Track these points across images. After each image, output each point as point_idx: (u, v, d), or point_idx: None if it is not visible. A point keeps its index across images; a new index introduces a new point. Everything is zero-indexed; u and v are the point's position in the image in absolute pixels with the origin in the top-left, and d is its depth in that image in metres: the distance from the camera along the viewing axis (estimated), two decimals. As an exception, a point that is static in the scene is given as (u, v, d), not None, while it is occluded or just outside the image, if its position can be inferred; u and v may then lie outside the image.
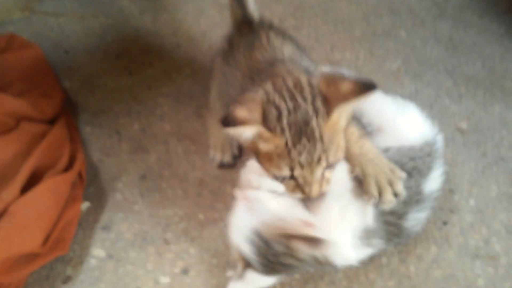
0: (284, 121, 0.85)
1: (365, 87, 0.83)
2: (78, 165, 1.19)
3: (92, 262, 1.13)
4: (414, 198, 1.00)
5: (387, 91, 1.44)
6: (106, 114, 1.37)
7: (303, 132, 0.84)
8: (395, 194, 0.95)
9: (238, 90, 1.01)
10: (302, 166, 0.86)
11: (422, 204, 1.02)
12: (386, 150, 1.02)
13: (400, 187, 0.95)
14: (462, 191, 1.27)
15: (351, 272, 1.11)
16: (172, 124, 1.35)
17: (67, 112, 1.33)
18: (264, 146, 0.86)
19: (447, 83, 1.50)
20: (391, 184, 0.95)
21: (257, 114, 0.84)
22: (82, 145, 1.29)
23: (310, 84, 0.87)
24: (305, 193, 0.90)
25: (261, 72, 0.97)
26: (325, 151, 0.85)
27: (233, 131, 0.83)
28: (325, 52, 1.56)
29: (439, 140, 1.12)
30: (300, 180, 0.88)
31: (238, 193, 0.96)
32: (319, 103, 0.85)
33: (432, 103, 1.45)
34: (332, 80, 0.86)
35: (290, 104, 0.85)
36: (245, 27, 1.16)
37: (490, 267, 1.15)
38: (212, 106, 1.26)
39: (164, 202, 1.22)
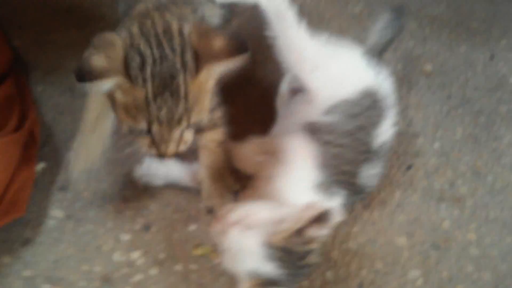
0: (148, 71, 0.75)
1: (238, 49, 0.75)
2: (29, 125, 1.14)
3: (51, 223, 1.10)
4: (362, 157, 0.96)
5: (350, 36, 1.41)
6: (58, 72, 1.31)
7: (167, 86, 0.75)
8: None
9: None
10: (160, 123, 0.78)
11: (372, 161, 0.98)
12: (328, 112, 0.97)
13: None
14: (427, 134, 1.26)
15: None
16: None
17: (17, 72, 1.26)
18: (121, 97, 0.77)
19: (411, 25, 1.47)
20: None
21: (117, 62, 0.74)
22: (35, 105, 1.23)
23: (181, 34, 0.78)
24: (160, 151, 0.82)
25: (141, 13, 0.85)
26: (187, 110, 0.77)
27: (90, 86, 0.73)
28: (286, -3, 1.51)
29: (385, 86, 1.03)
30: (157, 137, 0.80)
31: (219, 224, 0.87)
32: (188, 57, 0.76)
33: (396, 46, 1.41)
34: (204, 33, 0.77)
35: (157, 53, 0.76)
36: None
37: (455, 209, 1.15)
38: None
39: (121, 159, 1.18)
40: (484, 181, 1.19)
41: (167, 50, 0.76)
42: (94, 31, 1.35)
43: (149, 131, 0.79)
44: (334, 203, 0.94)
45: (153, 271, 1.05)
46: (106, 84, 0.74)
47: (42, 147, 1.18)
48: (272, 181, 0.93)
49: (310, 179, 0.91)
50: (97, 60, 0.72)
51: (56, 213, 1.11)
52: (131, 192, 1.14)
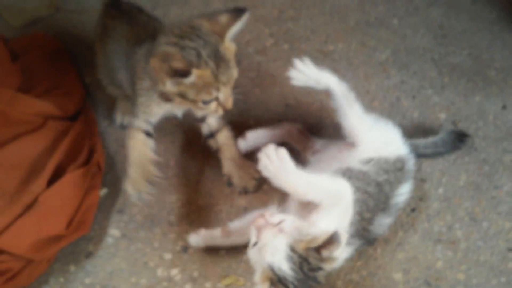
0: (204, 55, 1.07)
1: (237, 13, 1.10)
2: (96, 158, 1.39)
3: (109, 240, 1.35)
4: (380, 206, 1.16)
5: (374, 82, 1.58)
6: (120, 108, 1.55)
7: (218, 58, 1.09)
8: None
9: (123, 57, 1.27)
10: (224, 84, 1.11)
11: (387, 212, 1.18)
12: (368, 161, 1.19)
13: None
14: (433, 180, 1.42)
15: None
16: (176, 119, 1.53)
17: (88, 108, 1.52)
18: (195, 83, 1.08)
19: (432, 73, 1.62)
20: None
21: (185, 61, 1.06)
22: (100, 138, 1.48)
23: (200, 25, 1.10)
24: (225, 107, 1.16)
25: (148, 35, 1.23)
26: (232, 68, 1.12)
27: (185, 80, 1.07)
28: (320, 43, 1.69)
29: (411, 160, 1.26)
30: (222, 97, 1.13)
31: (262, 220, 1.07)
32: (214, 36, 1.10)
33: (415, 94, 1.57)
34: (210, 19, 1.11)
35: (200, 42, 1.08)
36: (115, 11, 1.35)
37: (449, 251, 1.32)
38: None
39: (169, 188, 1.42)
40: (479, 227, 1.35)
41: (203, 37, 1.08)
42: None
43: (216, 97, 1.13)
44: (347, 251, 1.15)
45: (188, 286, 1.29)
46: (191, 77, 1.07)
47: (105, 175, 1.44)
48: (316, 210, 1.10)
49: (346, 226, 1.11)
50: (176, 63, 1.05)
51: (114, 232, 1.37)
52: (175, 218, 1.38)
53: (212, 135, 1.38)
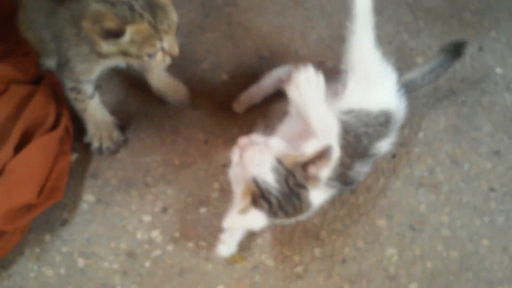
0: (138, 8, 1.01)
1: None
2: (64, 122, 1.32)
3: (84, 206, 1.31)
4: (359, 155, 1.13)
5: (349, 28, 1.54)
6: (86, 69, 1.48)
7: (153, 7, 1.03)
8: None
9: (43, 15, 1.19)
10: (166, 32, 1.06)
11: (366, 160, 1.15)
12: (348, 112, 1.14)
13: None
14: (412, 124, 1.40)
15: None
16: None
17: (50, 71, 1.44)
18: (134, 39, 1.04)
19: (407, 18, 1.58)
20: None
21: (118, 19, 1.00)
22: (66, 101, 1.41)
23: None
24: (172, 54, 1.11)
25: None
26: (170, 12, 1.06)
27: (120, 40, 1.02)
28: (292, -8, 1.63)
29: (400, 112, 1.21)
30: (166, 46, 1.08)
31: (245, 139, 1.05)
32: None
33: (391, 39, 1.54)
34: None
35: None
36: None
37: (432, 194, 1.31)
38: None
39: (143, 150, 1.37)
40: (460, 169, 1.34)
41: None
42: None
43: (160, 47, 1.08)
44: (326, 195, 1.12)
45: (169, 248, 1.26)
46: (127, 36, 1.02)
47: (74, 140, 1.37)
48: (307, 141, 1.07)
49: None
50: (109, 23, 0.99)
51: (88, 197, 1.32)
52: (152, 179, 1.33)
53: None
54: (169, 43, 1.09)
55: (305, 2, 1.61)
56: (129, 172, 1.34)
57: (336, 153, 1.00)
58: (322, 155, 0.97)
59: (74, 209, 1.30)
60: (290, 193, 1.01)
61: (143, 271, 1.23)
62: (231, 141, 1.34)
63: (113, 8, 1.00)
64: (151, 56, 1.08)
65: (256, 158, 1.01)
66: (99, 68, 1.21)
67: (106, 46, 1.04)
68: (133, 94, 1.44)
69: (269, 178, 0.99)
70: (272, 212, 1.02)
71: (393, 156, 1.35)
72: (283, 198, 1.01)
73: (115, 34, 1.01)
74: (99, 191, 1.32)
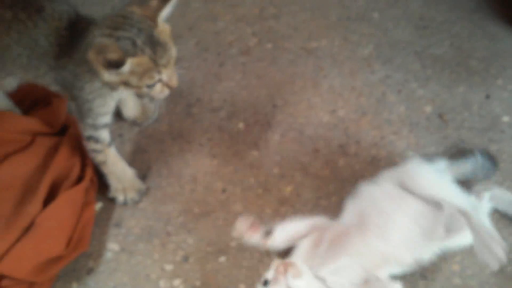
0: (139, 43, 1.09)
1: None
2: (89, 173, 1.38)
3: (109, 255, 1.36)
4: None
5: (359, 78, 1.61)
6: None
7: (154, 43, 1.11)
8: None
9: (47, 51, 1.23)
10: (165, 66, 1.14)
11: None
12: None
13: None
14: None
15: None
16: (166, 124, 1.53)
17: (73, 120, 1.50)
18: (135, 72, 1.11)
19: (416, 66, 1.65)
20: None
21: (120, 51, 1.08)
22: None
23: (131, 12, 1.13)
24: (171, 86, 1.20)
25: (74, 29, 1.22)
26: (170, 49, 1.15)
27: (121, 70, 1.09)
28: (303, 40, 1.70)
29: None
30: (165, 78, 1.16)
31: (277, 273, 1.09)
32: (147, 21, 1.12)
33: (401, 88, 1.60)
34: (141, 5, 1.13)
35: (134, 30, 1.10)
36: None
37: (442, 242, 1.36)
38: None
39: (164, 198, 1.43)
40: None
41: (136, 25, 1.10)
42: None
43: (160, 79, 1.16)
44: None
45: (191, 296, 1.31)
46: (126, 67, 1.09)
47: (98, 189, 1.43)
48: None
49: None
50: (111, 54, 1.07)
51: (112, 246, 1.37)
52: (173, 228, 1.39)
53: None
54: (168, 75, 1.18)
55: (316, 51, 1.67)
56: (151, 221, 1.40)
57: None
58: None
59: (99, 257, 1.35)
60: None
61: (167, 319, 1.28)
62: (249, 190, 1.41)
63: (116, 42, 1.09)
64: (150, 87, 1.17)
65: None
66: (113, 100, 1.29)
67: (108, 76, 1.12)
68: (153, 143, 1.50)
69: None
70: None
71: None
72: None
73: (116, 65, 1.09)
74: (123, 240, 1.37)
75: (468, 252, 1.34)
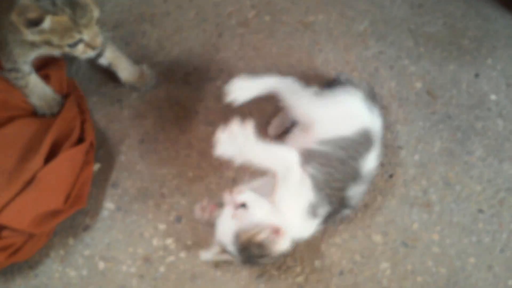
0: (59, 4, 1.18)
1: None
2: (89, 137, 1.44)
3: (105, 213, 1.42)
4: (350, 176, 1.22)
5: (354, 53, 1.65)
6: (108, 84, 1.59)
7: (74, 4, 1.19)
8: None
9: None
10: (85, 26, 1.21)
11: (359, 181, 1.24)
12: (323, 143, 1.22)
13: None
14: (409, 147, 1.51)
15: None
16: (164, 91, 1.58)
17: (75, 85, 1.56)
18: (53, 29, 1.19)
19: (409, 43, 1.68)
20: None
21: (40, 10, 1.15)
22: (90, 114, 1.53)
23: None
24: (94, 46, 1.27)
25: None
26: (90, 11, 1.21)
27: (41, 28, 1.17)
28: (300, 14, 1.73)
29: (377, 124, 1.28)
30: (87, 38, 1.24)
31: (228, 197, 1.18)
32: None
33: (393, 64, 1.64)
34: None
35: None
36: None
37: (425, 213, 1.42)
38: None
39: (160, 162, 1.49)
40: (452, 190, 1.45)
41: None
42: (137, 47, 1.64)
43: (80, 39, 1.23)
44: (311, 225, 1.23)
45: (182, 254, 1.37)
46: (46, 23, 1.17)
47: (97, 150, 1.49)
48: (276, 186, 1.20)
49: (304, 200, 1.19)
50: (30, 13, 1.15)
51: (109, 205, 1.43)
52: (167, 190, 1.45)
53: (100, 55, 1.49)
54: (90, 36, 1.25)
55: (313, 25, 1.71)
56: (147, 182, 1.46)
57: (286, 236, 1.14)
58: (271, 237, 1.12)
59: (95, 215, 1.42)
60: (248, 261, 1.16)
61: (158, 275, 1.35)
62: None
63: (37, 2, 1.16)
64: (72, 46, 1.25)
65: (223, 226, 1.17)
66: (33, 54, 1.36)
67: (30, 35, 1.20)
68: (151, 109, 1.55)
69: (230, 248, 1.15)
70: (240, 263, 1.19)
71: (390, 176, 1.46)
72: (243, 262, 1.17)
73: (36, 23, 1.17)
74: (119, 200, 1.44)
75: (448, 222, 1.40)
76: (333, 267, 1.36)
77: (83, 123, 1.47)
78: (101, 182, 1.46)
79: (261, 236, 1.11)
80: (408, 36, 1.70)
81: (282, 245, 1.13)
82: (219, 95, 1.57)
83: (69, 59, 1.58)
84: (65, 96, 1.50)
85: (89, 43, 1.26)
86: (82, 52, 1.28)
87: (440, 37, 1.70)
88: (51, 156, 1.37)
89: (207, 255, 1.24)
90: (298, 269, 1.36)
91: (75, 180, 1.38)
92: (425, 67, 1.64)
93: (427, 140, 1.52)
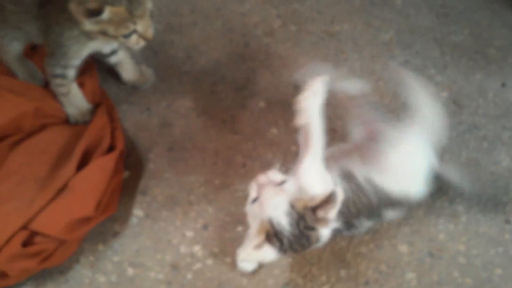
0: None
1: None
2: (119, 145, 1.46)
3: (134, 220, 1.45)
4: (368, 213, 1.24)
5: (379, 62, 1.66)
6: (137, 93, 1.63)
7: None
8: None
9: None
10: (140, 17, 1.23)
11: (371, 219, 1.27)
12: (367, 180, 1.23)
13: None
14: (435, 156, 1.51)
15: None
16: (191, 101, 1.61)
17: (105, 94, 1.59)
18: (111, 20, 1.21)
19: (435, 52, 1.69)
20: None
21: (99, 0, 1.18)
22: (120, 122, 1.56)
23: None
24: (146, 37, 1.28)
25: None
26: (145, 2, 1.23)
27: (100, 18, 1.19)
28: (326, 24, 1.75)
29: (420, 196, 1.29)
30: (141, 28, 1.26)
31: (264, 178, 1.18)
32: None
33: (419, 73, 1.65)
34: None
35: None
36: None
37: (451, 224, 1.42)
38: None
39: (187, 170, 1.51)
40: (479, 201, 1.45)
41: None
42: (165, 57, 1.68)
43: (135, 30, 1.25)
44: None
45: (209, 262, 1.39)
46: (106, 13, 1.18)
47: (126, 158, 1.52)
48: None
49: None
50: (91, 5, 1.17)
51: (137, 212, 1.46)
52: (194, 197, 1.47)
53: (113, 53, 1.52)
54: (143, 27, 1.27)
55: (339, 34, 1.73)
56: (174, 190, 1.49)
57: (340, 197, 1.11)
58: (329, 199, 1.10)
59: (125, 222, 1.45)
60: (300, 235, 1.13)
61: (185, 282, 1.37)
62: (267, 166, 1.48)
63: None
64: (126, 37, 1.27)
65: (273, 200, 1.14)
66: (88, 49, 1.39)
67: (89, 25, 1.22)
68: (178, 118, 1.58)
69: (283, 221, 1.12)
70: (283, 249, 1.15)
71: (416, 186, 1.47)
72: (294, 239, 1.13)
73: (96, 13, 1.19)
74: (148, 207, 1.46)
75: (474, 233, 1.40)
76: (359, 276, 1.37)
77: (113, 131, 1.50)
78: (130, 189, 1.49)
79: (316, 200, 1.11)
80: (434, 46, 1.70)
81: (333, 213, 1.12)
82: (245, 104, 1.59)
83: (99, 69, 1.61)
84: (96, 105, 1.53)
85: (142, 34, 1.28)
86: (135, 43, 1.30)
87: (466, 47, 1.70)
88: (82, 163, 1.40)
89: (246, 253, 1.18)
90: (324, 278, 1.37)
91: (106, 188, 1.41)
92: (451, 76, 1.64)
93: (453, 150, 1.52)
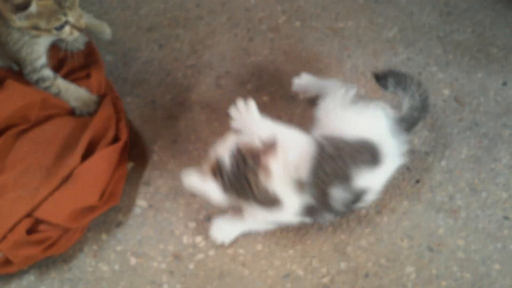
0: None
1: None
2: (124, 136, 1.48)
3: (137, 210, 1.47)
4: (339, 176, 1.24)
5: (383, 59, 1.67)
6: (142, 85, 1.64)
7: None
8: None
9: None
10: (70, 8, 1.26)
11: (346, 186, 1.25)
12: (322, 137, 1.27)
13: None
14: (436, 153, 1.53)
15: (336, 222, 1.42)
16: (196, 94, 1.63)
17: (111, 85, 1.61)
18: (40, 13, 1.23)
19: (437, 50, 1.70)
20: None
21: None
22: (125, 113, 1.58)
23: None
24: (79, 28, 1.32)
25: None
26: None
27: (28, 12, 1.21)
28: (330, 20, 1.77)
29: (393, 150, 1.29)
30: (72, 20, 1.29)
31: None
32: None
33: (421, 71, 1.66)
34: None
35: None
36: None
37: (450, 219, 1.44)
38: None
39: (191, 162, 1.53)
40: (478, 197, 1.47)
41: None
42: (170, 50, 1.69)
43: (66, 21, 1.28)
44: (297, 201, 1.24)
45: (211, 252, 1.41)
46: (32, 7, 1.20)
47: (131, 149, 1.54)
48: None
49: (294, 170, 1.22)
50: (17, 0, 1.19)
51: (141, 203, 1.48)
52: (197, 189, 1.49)
53: None
54: (75, 17, 1.29)
55: (343, 31, 1.74)
56: (178, 181, 1.50)
57: (281, 149, 1.16)
58: (269, 146, 1.15)
59: (128, 212, 1.46)
60: (239, 175, 1.18)
61: (187, 272, 1.39)
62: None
63: None
64: (58, 29, 1.29)
65: (228, 141, 1.22)
66: (40, 47, 1.41)
67: (18, 21, 1.24)
68: (183, 111, 1.60)
69: (226, 159, 1.19)
70: (224, 187, 1.21)
71: (417, 181, 1.48)
72: (234, 178, 1.19)
73: (23, 7, 1.20)
74: (151, 198, 1.48)
75: (474, 228, 1.42)
76: (359, 269, 1.38)
77: (118, 122, 1.51)
78: (134, 180, 1.51)
79: (258, 145, 1.16)
80: (437, 44, 1.72)
81: (274, 164, 1.15)
82: (249, 97, 1.60)
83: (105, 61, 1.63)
84: (102, 96, 1.55)
85: (75, 24, 1.31)
86: (69, 34, 1.33)
87: (469, 45, 1.71)
88: (87, 153, 1.42)
89: (190, 177, 1.29)
90: (324, 270, 1.38)
91: (110, 178, 1.43)
92: (453, 74, 1.66)
93: (454, 146, 1.54)
